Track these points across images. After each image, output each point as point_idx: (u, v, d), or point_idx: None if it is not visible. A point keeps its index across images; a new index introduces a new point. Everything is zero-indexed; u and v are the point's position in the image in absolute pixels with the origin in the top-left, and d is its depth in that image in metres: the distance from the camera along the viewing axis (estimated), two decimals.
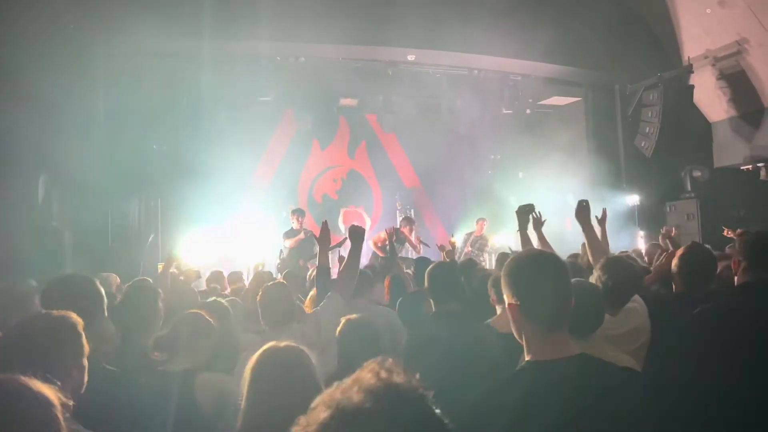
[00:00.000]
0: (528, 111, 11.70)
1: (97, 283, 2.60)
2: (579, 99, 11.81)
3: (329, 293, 3.45)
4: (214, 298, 4.00)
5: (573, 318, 1.70)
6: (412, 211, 11.07)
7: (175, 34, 8.00)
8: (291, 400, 1.68)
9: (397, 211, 10.89)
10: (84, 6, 7.52)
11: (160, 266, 8.10)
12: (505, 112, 11.34)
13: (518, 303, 1.67)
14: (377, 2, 8.47)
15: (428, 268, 3.20)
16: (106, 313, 2.55)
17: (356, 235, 3.59)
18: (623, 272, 2.90)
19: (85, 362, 1.82)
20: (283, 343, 1.97)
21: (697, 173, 10.68)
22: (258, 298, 3.34)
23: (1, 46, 6.82)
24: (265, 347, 1.95)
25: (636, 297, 3.05)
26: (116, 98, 8.16)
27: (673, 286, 3.30)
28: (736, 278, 2.62)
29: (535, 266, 1.72)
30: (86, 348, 1.82)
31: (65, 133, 7.05)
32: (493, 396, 1.65)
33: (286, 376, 1.86)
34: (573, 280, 2.24)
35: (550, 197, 9.14)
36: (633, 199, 10.48)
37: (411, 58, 9.78)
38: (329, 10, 7.87)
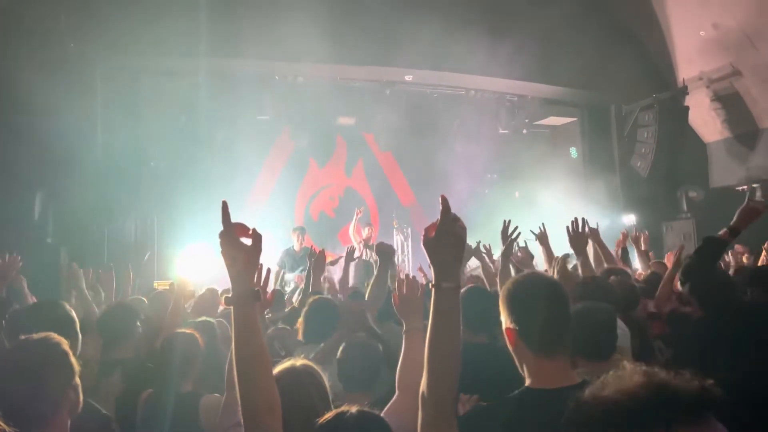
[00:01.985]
0: (524, 131, 11.77)
1: (67, 306, 2.62)
2: (575, 119, 11.90)
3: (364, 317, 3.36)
4: (204, 318, 3.94)
5: (589, 342, 1.67)
6: (409, 229, 11.05)
7: (173, 53, 8.06)
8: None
9: (394, 230, 10.86)
10: (84, 25, 7.56)
11: (156, 284, 8.05)
12: (501, 131, 11.40)
13: (516, 327, 1.65)
14: (375, 23, 8.55)
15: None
16: (79, 336, 2.53)
17: (384, 253, 3.66)
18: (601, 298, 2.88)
19: (78, 381, 1.77)
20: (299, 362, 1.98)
21: (692, 193, 10.74)
22: (303, 312, 3.38)
23: (0, 63, 6.86)
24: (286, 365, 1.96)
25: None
26: (114, 115, 8.17)
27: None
28: None
29: (531, 290, 1.71)
30: (76, 366, 1.77)
31: (62, 150, 7.06)
32: (485, 413, 1.63)
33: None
34: (586, 303, 2.23)
35: (547, 217, 9.14)
36: (629, 219, 10.49)
37: (408, 78, 9.84)
38: (327, 30, 7.92)
